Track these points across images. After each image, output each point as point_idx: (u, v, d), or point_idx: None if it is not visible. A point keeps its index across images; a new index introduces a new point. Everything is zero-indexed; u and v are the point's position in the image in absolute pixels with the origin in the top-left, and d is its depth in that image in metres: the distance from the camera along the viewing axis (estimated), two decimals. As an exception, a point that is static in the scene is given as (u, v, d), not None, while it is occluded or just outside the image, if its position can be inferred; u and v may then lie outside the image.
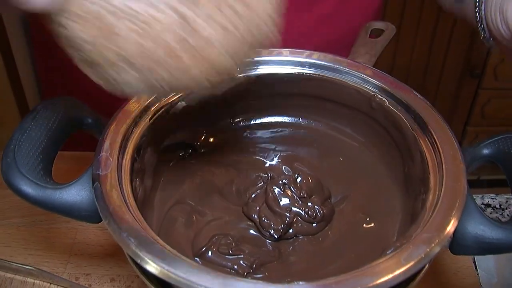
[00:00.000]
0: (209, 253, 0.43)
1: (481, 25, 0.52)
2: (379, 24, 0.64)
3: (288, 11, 0.66)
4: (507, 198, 0.67)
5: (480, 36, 0.53)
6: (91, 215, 0.41)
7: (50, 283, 0.54)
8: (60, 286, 0.53)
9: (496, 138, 0.46)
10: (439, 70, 1.61)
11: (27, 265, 0.53)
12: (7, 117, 1.31)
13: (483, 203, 0.71)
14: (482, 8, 0.52)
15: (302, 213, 0.47)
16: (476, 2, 0.52)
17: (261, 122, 0.53)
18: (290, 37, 0.66)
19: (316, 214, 0.47)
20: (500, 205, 0.68)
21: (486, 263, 0.57)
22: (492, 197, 0.66)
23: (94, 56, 0.32)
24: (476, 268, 0.56)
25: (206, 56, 0.33)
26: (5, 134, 0.48)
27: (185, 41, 0.32)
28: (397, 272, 0.34)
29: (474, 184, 1.61)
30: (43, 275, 0.53)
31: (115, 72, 0.33)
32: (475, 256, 0.58)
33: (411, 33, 1.51)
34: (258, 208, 0.47)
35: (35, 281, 0.54)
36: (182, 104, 0.48)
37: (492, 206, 0.73)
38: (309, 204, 0.47)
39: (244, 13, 0.33)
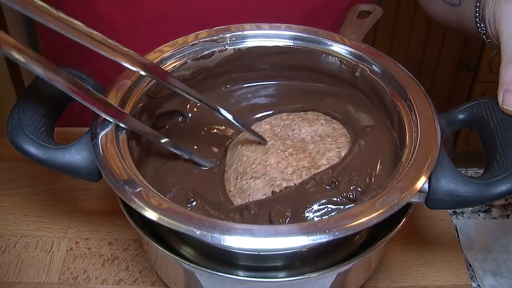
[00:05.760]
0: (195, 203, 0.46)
1: (480, 23, 0.54)
2: (366, 7, 0.67)
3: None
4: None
5: (480, 34, 0.55)
6: (90, 172, 0.44)
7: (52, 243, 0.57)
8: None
9: (471, 104, 0.49)
10: (435, 63, 1.63)
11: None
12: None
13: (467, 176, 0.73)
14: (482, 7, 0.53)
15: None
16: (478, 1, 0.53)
17: (249, 86, 0.56)
18: (273, 8, 0.69)
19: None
20: (482, 178, 0.71)
21: (467, 230, 0.60)
22: (476, 170, 0.69)
23: None
24: (458, 234, 0.59)
25: None
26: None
27: None
28: (373, 215, 0.37)
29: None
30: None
31: None
32: (456, 224, 0.61)
33: (407, 23, 1.53)
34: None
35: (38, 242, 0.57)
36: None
37: (475, 179, 0.75)
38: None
39: None
